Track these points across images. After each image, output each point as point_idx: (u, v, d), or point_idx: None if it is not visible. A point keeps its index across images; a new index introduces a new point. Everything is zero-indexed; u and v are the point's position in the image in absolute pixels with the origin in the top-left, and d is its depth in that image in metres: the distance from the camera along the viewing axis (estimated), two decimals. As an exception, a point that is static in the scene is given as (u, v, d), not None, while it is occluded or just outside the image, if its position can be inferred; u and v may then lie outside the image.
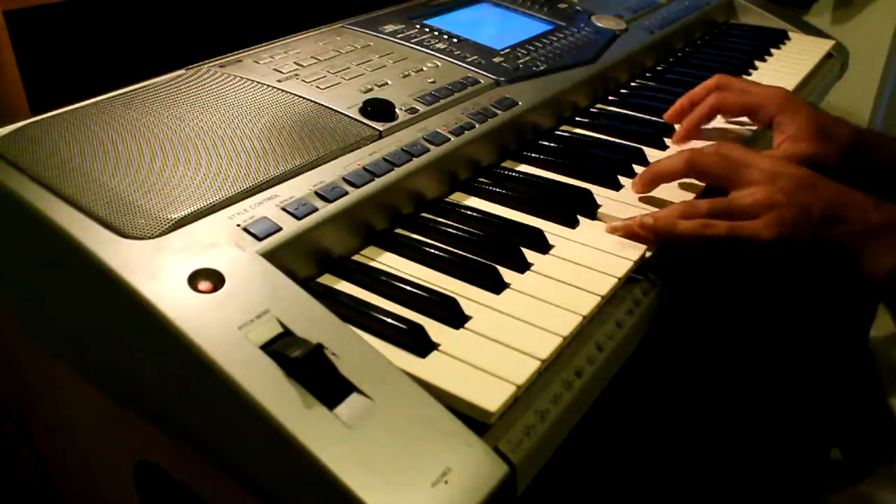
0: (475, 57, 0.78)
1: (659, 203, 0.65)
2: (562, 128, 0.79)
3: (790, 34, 1.13)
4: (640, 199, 0.65)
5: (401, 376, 0.42)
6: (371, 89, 0.67)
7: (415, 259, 0.55)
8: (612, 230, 0.60)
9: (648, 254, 0.58)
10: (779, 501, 0.65)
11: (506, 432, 0.42)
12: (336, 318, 0.44)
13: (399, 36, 0.79)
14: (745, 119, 0.79)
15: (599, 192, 0.66)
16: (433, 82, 0.71)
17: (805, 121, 0.72)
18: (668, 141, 0.77)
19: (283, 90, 0.65)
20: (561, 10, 0.97)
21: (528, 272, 0.55)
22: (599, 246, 0.58)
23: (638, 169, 0.71)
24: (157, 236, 0.47)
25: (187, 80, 0.64)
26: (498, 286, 0.53)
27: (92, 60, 0.76)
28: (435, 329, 0.48)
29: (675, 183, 0.67)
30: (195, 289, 0.43)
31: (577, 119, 0.81)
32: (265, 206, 0.51)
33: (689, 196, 0.66)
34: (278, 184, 0.54)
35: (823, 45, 1.09)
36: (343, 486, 0.36)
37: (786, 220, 0.55)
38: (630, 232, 0.59)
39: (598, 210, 0.63)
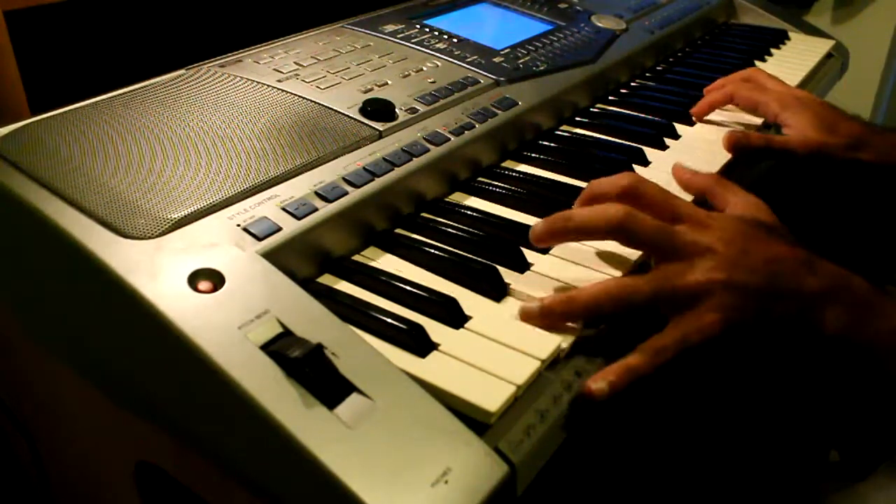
0: (475, 57, 0.78)
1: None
2: (562, 128, 0.79)
3: (790, 34, 1.13)
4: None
5: (401, 376, 0.42)
6: (371, 89, 0.67)
7: (415, 259, 0.55)
8: (526, 318, 0.50)
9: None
10: (778, 502, 0.65)
11: (506, 432, 0.42)
12: (336, 318, 0.44)
13: (399, 36, 0.79)
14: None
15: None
16: (433, 82, 0.71)
17: (810, 118, 0.75)
18: (668, 141, 0.77)
19: (283, 90, 0.65)
20: (561, 10, 0.97)
21: (528, 272, 0.55)
22: (600, 245, 0.58)
23: (639, 169, 0.71)
24: (157, 236, 0.47)
25: (187, 80, 0.64)
26: (498, 286, 0.52)
27: (92, 60, 0.76)
28: (435, 329, 0.48)
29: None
30: (195, 289, 0.43)
31: (578, 119, 0.81)
32: (265, 206, 0.51)
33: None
34: (278, 184, 0.54)
35: (823, 45, 1.09)
36: (343, 486, 0.36)
37: (730, 306, 0.49)
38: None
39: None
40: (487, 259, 0.55)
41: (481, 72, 0.75)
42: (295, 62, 0.70)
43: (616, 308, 0.50)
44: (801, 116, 0.75)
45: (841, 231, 0.54)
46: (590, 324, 0.50)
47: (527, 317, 0.50)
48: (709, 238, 0.52)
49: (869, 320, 0.51)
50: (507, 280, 0.53)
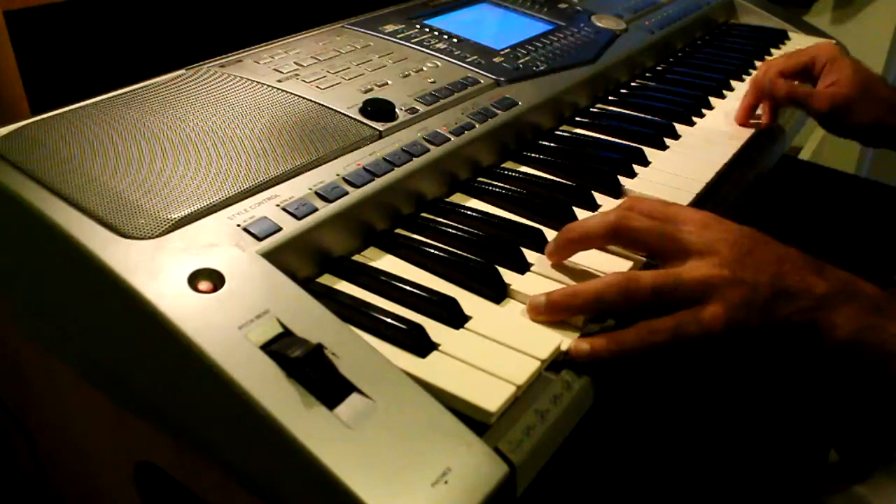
0: (475, 57, 0.78)
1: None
2: (562, 128, 0.79)
3: (790, 34, 1.13)
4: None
5: (401, 376, 0.42)
6: (371, 89, 0.67)
7: (415, 259, 0.55)
8: (532, 311, 0.50)
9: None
10: (777, 502, 0.65)
11: (506, 432, 0.42)
12: (336, 318, 0.44)
13: (399, 36, 0.79)
14: None
15: (599, 193, 0.66)
16: (433, 82, 0.71)
17: (851, 71, 0.79)
18: (668, 141, 0.77)
19: (283, 90, 0.65)
20: (561, 10, 0.97)
21: (528, 272, 0.55)
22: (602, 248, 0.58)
23: (639, 169, 0.71)
24: (157, 236, 0.47)
25: (187, 80, 0.64)
26: (498, 286, 0.52)
27: (92, 60, 0.76)
28: (435, 329, 0.48)
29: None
30: (195, 289, 0.43)
31: (578, 119, 0.81)
32: (265, 206, 0.51)
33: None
34: (278, 184, 0.54)
35: (823, 45, 1.09)
36: (343, 486, 0.36)
37: (735, 303, 0.48)
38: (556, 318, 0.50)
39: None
40: (487, 259, 0.55)
41: (481, 72, 0.75)
42: (295, 62, 0.70)
43: (619, 302, 0.49)
44: (844, 68, 0.79)
45: (839, 236, 0.54)
46: (595, 320, 0.50)
47: (533, 310, 0.50)
48: (712, 238, 0.51)
49: (881, 324, 0.50)
50: (507, 280, 0.53)
